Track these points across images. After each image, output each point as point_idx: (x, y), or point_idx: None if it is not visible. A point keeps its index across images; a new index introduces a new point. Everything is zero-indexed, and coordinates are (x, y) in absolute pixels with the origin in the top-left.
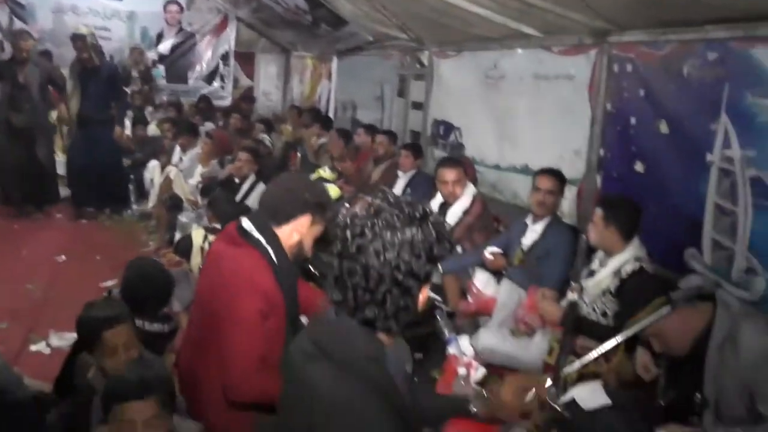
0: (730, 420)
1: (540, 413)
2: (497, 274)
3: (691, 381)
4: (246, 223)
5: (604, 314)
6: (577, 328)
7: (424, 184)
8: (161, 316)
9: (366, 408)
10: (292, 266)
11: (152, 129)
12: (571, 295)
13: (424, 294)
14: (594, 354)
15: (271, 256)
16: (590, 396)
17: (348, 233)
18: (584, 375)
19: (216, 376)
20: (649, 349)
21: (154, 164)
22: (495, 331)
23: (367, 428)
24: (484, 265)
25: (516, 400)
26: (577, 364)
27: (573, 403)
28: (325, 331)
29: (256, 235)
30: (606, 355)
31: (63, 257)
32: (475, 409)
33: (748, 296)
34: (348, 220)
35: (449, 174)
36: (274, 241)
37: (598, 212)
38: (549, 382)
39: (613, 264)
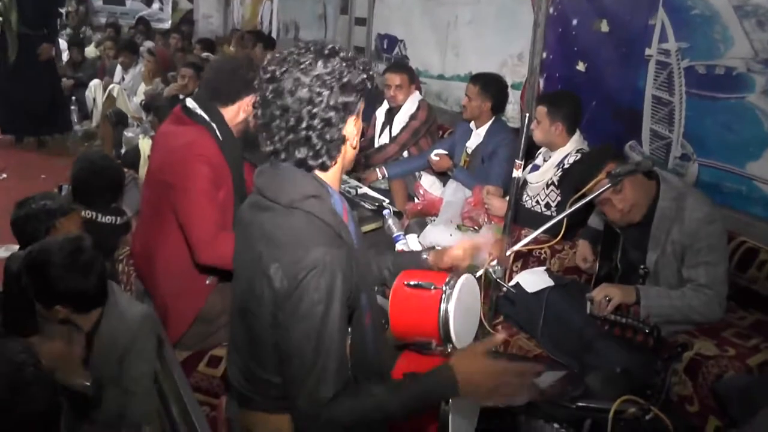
0: (666, 286)
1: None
2: (443, 176)
3: (632, 256)
4: (190, 102)
5: (548, 206)
6: (522, 219)
7: (369, 101)
8: (113, 209)
9: (311, 234)
10: (237, 142)
11: (91, 51)
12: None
13: (357, 126)
14: (535, 234)
15: (216, 133)
16: (534, 280)
17: (263, 82)
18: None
19: (171, 248)
20: (590, 240)
21: (95, 83)
22: (442, 228)
23: (313, 251)
24: (430, 169)
25: (466, 256)
26: (518, 246)
27: (517, 286)
28: (267, 179)
29: (200, 112)
30: (552, 247)
31: (4, 175)
32: (425, 256)
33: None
34: (261, 71)
35: (393, 78)
36: (218, 118)
37: (542, 110)
38: (494, 262)
39: (557, 157)
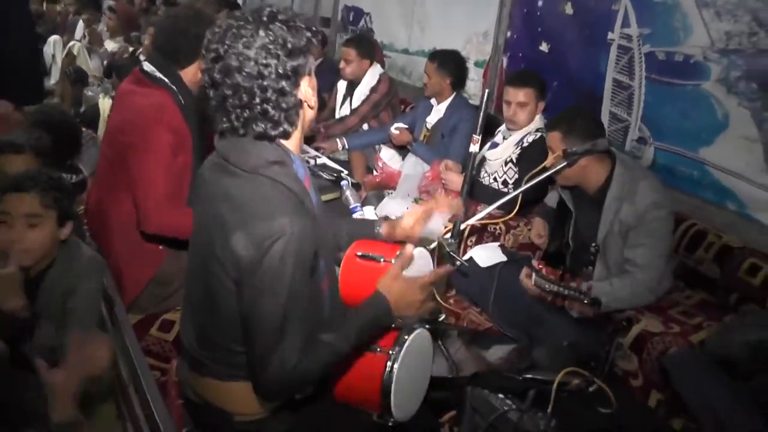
0: (613, 264)
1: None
2: (402, 150)
3: (584, 234)
4: (148, 66)
5: (505, 183)
6: (479, 195)
7: (329, 72)
8: (68, 167)
9: (276, 202)
10: (198, 107)
11: (52, 6)
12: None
13: (311, 85)
14: (489, 209)
15: (178, 97)
16: (488, 255)
17: (209, 62)
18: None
19: (126, 209)
20: (545, 217)
21: (55, 39)
22: (399, 201)
23: (278, 219)
24: (390, 142)
25: (417, 225)
26: (472, 220)
27: (471, 260)
28: (229, 144)
29: (160, 76)
30: (507, 223)
31: None
32: (379, 228)
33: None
34: (204, 49)
35: (345, 51)
36: (178, 81)
37: (529, 92)
38: (448, 235)
39: (516, 135)
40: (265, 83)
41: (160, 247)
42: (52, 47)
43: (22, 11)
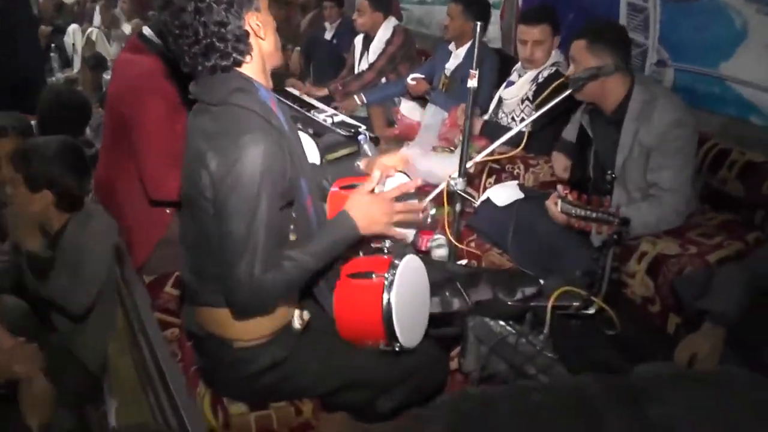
0: (633, 189)
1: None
2: (423, 101)
3: (604, 162)
4: (147, 30)
5: (523, 121)
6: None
7: (349, 32)
8: (80, 141)
9: (241, 122)
10: None
11: None
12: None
13: (261, 20)
14: (496, 144)
15: (171, 60)
16: (505, 194)
17: (160, 11)
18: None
19: (131, 178)
20: (564, 152)
21: (73, 28)
22: (416, 150)
23: (243, 137)
24: (409, 94)
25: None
26: (478, 157)
27: (487, 201)
28: (200, 85)
29: (157, 41)
30: (526, 162)
31: None
32: (358, 163)
33: None
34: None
35: (360, 4)
36: None
37: (544, 29)
38: (455, 174)
39: (532, 72)
40: (203, 18)
41: (168, 210)
42: (72, 36)
43: (30, 23)
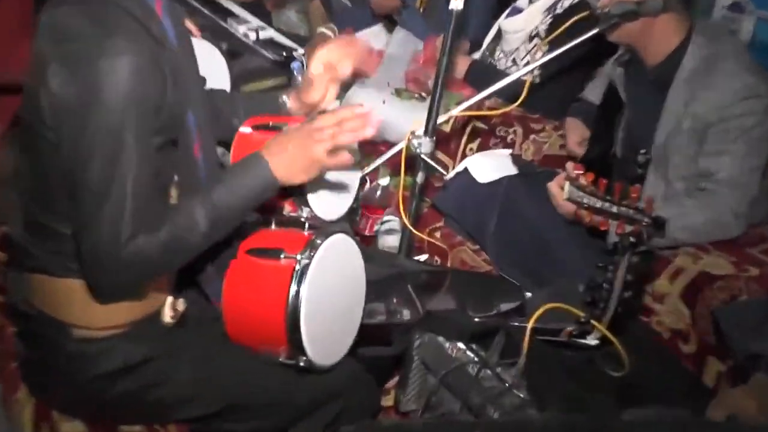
0: (675, 178)
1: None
2: (389, 23)
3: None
4: None
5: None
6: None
7: None
8: None
9: (107, 23)
10: None
11: None
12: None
13: None
14: (484, 93)
15: None
16: (489, 166)
17: None
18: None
19: None
20: (584, 118)
21: None
22: (371, 91)
23: (106, 41)
24: (370, 10)
25: (332, 77)
26: (456, 110)
27: (465, 174)
28: None
29: None
30: (526, 125)
31: None
32: (285, 98)
33: None
34: None
35: None
36: None
37: None
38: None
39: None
40: None
41: None
42: None
43: None
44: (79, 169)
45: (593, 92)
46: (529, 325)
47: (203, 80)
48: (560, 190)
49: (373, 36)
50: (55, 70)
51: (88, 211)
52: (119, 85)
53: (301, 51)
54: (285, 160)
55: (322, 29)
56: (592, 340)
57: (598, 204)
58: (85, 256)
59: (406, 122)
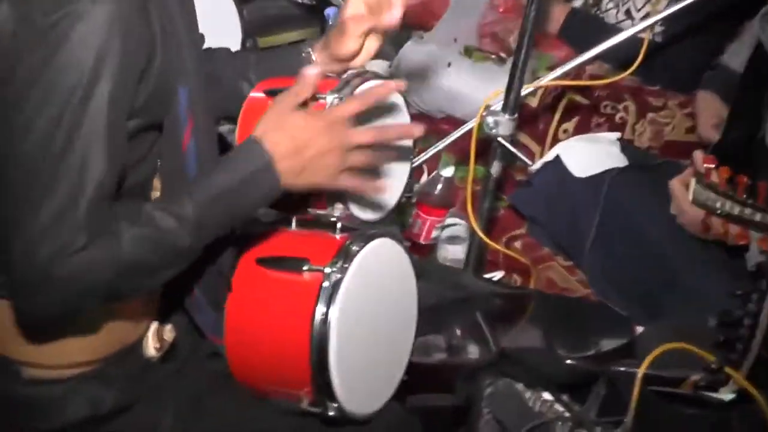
0: None
1: None
2: None
3: None
4: None
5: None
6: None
7: None
8: None
9: None
10: None
11: None
12: None
13: None
14: (589, 55)
15: None
16: (590, 155)
17: None
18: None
19: None
20: (722, 93)
21: None
22: (433, 50)
23: None
24: None
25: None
26: (546, 79)
27: (556, 163)
28: None
29: None
30: (642, 100)
31: None
32: (309, 50)
33: None
34: None
35: None
36: None
37: None
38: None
39: None
40: None
41: None
42: None
43: None
44: (16, 141)
45: (735, 57)
46: (641, 371)
47: (201, 38)
48: (685, 191)
49: None
50: (5, 11)
51: (22, 204)
52: (90, 36)
53: None
54: (295, 160)
55: None
56: (725, 394)
57: (736, 209)
58: (13, 266)
59: (478, 93)
